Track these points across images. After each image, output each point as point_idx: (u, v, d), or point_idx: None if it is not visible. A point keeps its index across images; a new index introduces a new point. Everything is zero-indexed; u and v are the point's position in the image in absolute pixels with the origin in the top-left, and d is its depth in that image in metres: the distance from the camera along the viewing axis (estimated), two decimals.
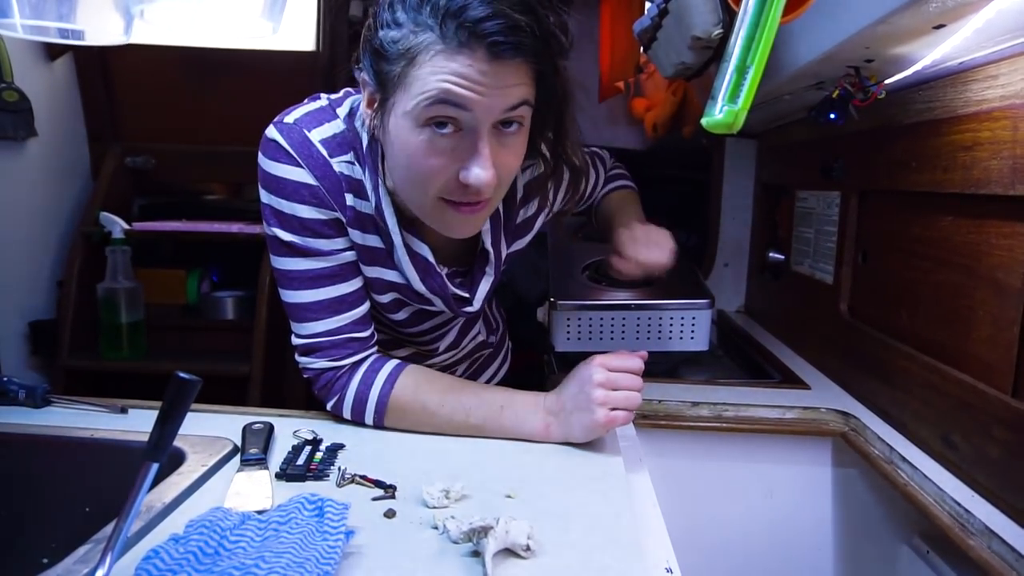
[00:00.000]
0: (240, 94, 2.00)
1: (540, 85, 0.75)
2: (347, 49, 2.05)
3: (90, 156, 1.99)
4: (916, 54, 0.82)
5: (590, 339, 1.29)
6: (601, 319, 1.27)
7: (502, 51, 0.68)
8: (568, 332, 1.27)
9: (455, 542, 0.63)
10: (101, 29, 0.95)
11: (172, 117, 2.03)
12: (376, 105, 0.77)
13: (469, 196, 0.76)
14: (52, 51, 1.79)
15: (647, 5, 1.09)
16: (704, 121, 0.73)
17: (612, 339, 1.28)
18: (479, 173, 0.73)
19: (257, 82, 1.98)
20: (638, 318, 1.29)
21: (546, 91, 0.76)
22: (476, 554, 0.61)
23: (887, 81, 0.90)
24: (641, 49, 1.32)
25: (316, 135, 0.82)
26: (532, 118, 0.78)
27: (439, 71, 0.69)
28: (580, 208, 1.23)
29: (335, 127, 0.84)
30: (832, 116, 0.94)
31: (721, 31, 0.91)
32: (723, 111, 0.69)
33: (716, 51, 0.97)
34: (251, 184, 2.21)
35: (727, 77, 0.69)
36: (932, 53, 0.80)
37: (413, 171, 0.76)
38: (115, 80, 1.97)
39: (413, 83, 0.71)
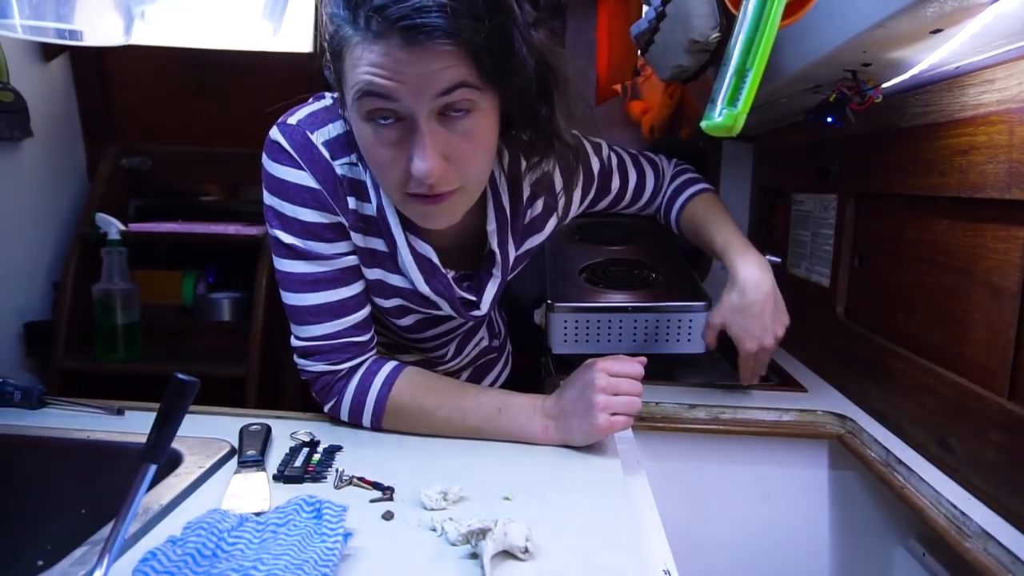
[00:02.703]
0: (236, 95, 1.99)
1: (486, 64, 0.69)
2: None
3: (86, 157, 1.98)
4: (913, 58, 0.82)
5: (587, 341, 1.29)
6: (598, 321, 1.27)
7: (414, 36, 0.64)
8: (565, 334, 1.27)
9: (453, 544, 0.63)
10: (100, 30, 0.94)
11: (168, 118, 2.02)
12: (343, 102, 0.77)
13: (425, 188, 0.73)
14: (48, 51, 1.79)
15: (644, 8, 1.09)
16: (703, 124, 0.73)
17: (609, 341, 1.28)
18: (419, 164, 0.70)
19: (253, 83, 1.97)
20: (635, 320, 1.29)
21: (503, 69, 0.70)
22: (474, 556, 0.61)
23: (884, 85, 0.91)
24: (638, 52, 1.32)
25: (319, 136, 0.82)
26: (507, 99, 0.75)
27: (359, 64, 0.68)
28: (645, 212, 1.20)
29: (338, 127, 0.83)
30: (829, 120, 0.95)
31: (718, 35, 0.92)
32: (722, 114, 0.70)
33: (713, 54, 0.97)
34: (248, 185, 2.23)
35: (726, 80, 0.69)
36: (929, 57, 0.81)
37: (372, 166, 0.76)
38: (111, 80, 1.97)
39: (346, 78, 0.71)
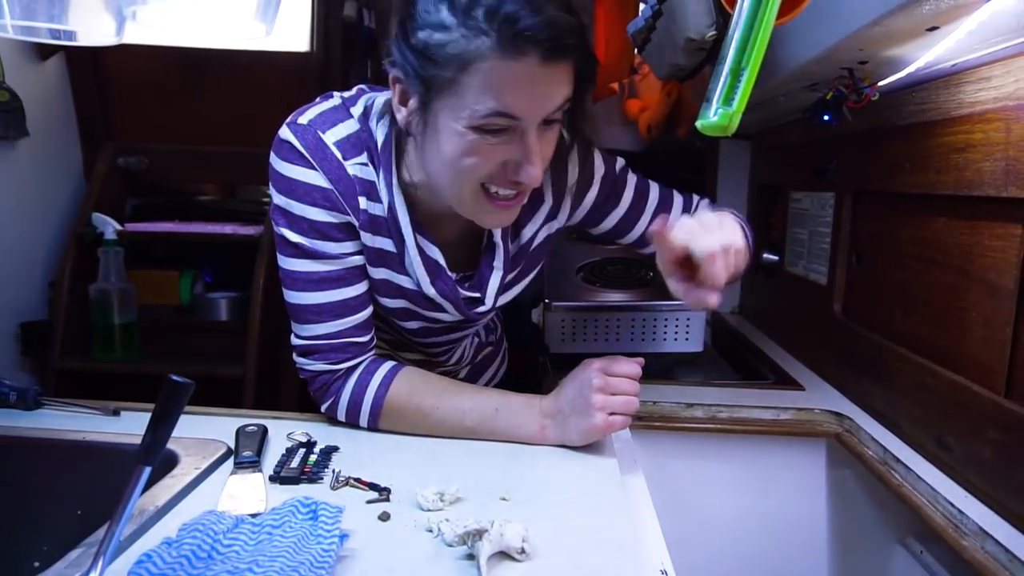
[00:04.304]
0: (234, 94, 1.99)
1: (579, 78, 0.76)
2: (340, 49, 2.06)
3: (82, 156, 1.98)
4: (910, 56, 0.82)
5: (584, 340, 1.29)
6: (596, 320, 1.27)
7: (554, 55, 0.69)
8: (563, 333, 1.27)
9: (450, 545, 0.63)
10: (93, 29, 0.94)
11: (165, 117, 2.02)
12: (414, 103, 0.76)
13: (512, 187, 0.78)
14: (43, 50, 1.78)
15: (641, 6, 1.09)
16: (699, 123, 0.73)
17: (607, 340, 1.28)
18: (531, 171, 0.75)
19: (251, 82, 1.98)
20: (633, 319, 1.29)
21: (580, 82, 0.77)
22: (471, 557, 0.61)
23: (881, 83, 0.91)
24: (635, 50, 1.32)
25: (330, 136, 0.82)
26: None
27: (494, 79, 0.69)
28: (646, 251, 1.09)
29: (349, 127, 0.83)
30: (826, 117, 0.95)
31: (714, 33, 0.91)
32: (718, 113, 0.69)
33: (710, 52, 0.97)
34: (245, 185, 2.22)
35: (722, 79, 0.69)
36: (925, 55, 0.81)
37: (459, 165, 0.76)
38: (107, 79, 1.96)
39: (466, 90, 0.71)
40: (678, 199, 1.05)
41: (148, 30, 0.99)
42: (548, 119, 0.75)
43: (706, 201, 1.08)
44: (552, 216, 0.96)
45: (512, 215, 0.84)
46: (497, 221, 0.84)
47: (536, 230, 0.96)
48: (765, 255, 1.63)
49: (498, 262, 0.92)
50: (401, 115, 0.79)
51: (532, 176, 0.75)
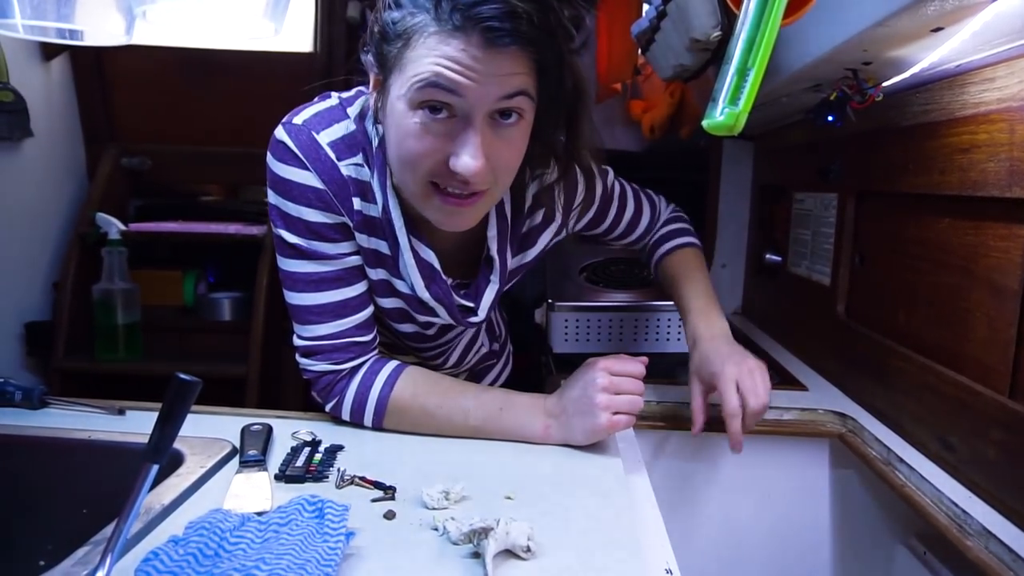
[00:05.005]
0: (236, 95, 2.00)
1: (544, 78, 0.73)
2: (344, 50, 2.06)
3: (86, 157, 1.99)
4: (914, 57, 0.82)
5: (588, 340, 1.29)
6: (599, 320, 1.27)
7: (497, 38, 0.66)
8: (566, 333, 1.27)
9: (455, 543, 0.63)
10: (102, 29, 0.94)
11: (168, 117, 2.03)
12: (378, 87, 0.77)
13: (458, 185, 0.74)
14: (48, 51, 1.79)
15: (645, 7, 1.09)
16: (705, 123, 0.73)
17: (610, 340, 1.28)
18: (468, 161, 0.71)
19: (253, 83, 1.98)
20: (636, 319, 1.29)
21: (551, 85, 0.74)
22: (476, 555, 0.61)
23: (885, 84, 0.91)
24: (639, 51, 1.32)
25: (325, 137, 0.82)
26: (538, 114, 0.76)
27: (432, 54, 0.68)
28: (630, 248, 1.18)
29: (345, 128, 0.83)
30: (830, 118, 0.95)
31: (720, 33, 0.91)
32: (724, 113, 0.69)
33: (714, 53, 0.97)
34: (248, 185, 2.23)
35: (728, 79, 0.69)
36: (930, 56, 0.81)
37: (404, 152, 0.74)
38: (111, 80, 1.97)
39: (407, 65, 0.70)
40: (646, 206, 1.12)
41: (158, 29, 1.00)
42: (502, 111, 0.72)
43: (672, 208, 1.17)
44: (559, 233, 0.99)
45: (469, 217, 0.80)
46: (453, 223, 0.79)
47: (544, 247, 0.98)
48: (768, 256, 1.63)
49: (495, 276, 0.92)
50: (371, 103, 0.80)
51: (469, 168, 0.70)
